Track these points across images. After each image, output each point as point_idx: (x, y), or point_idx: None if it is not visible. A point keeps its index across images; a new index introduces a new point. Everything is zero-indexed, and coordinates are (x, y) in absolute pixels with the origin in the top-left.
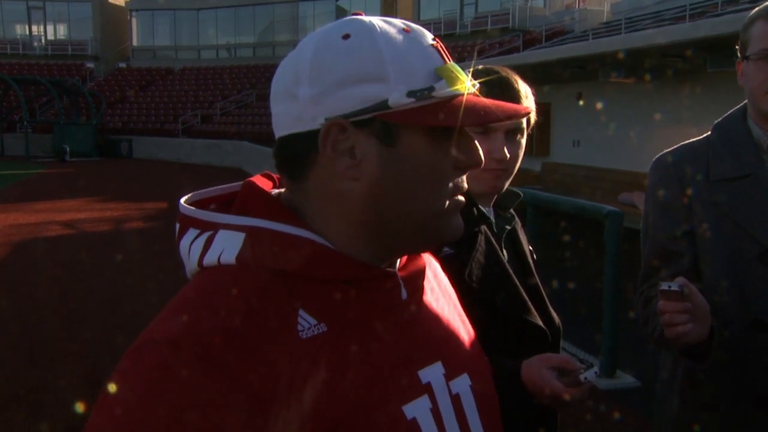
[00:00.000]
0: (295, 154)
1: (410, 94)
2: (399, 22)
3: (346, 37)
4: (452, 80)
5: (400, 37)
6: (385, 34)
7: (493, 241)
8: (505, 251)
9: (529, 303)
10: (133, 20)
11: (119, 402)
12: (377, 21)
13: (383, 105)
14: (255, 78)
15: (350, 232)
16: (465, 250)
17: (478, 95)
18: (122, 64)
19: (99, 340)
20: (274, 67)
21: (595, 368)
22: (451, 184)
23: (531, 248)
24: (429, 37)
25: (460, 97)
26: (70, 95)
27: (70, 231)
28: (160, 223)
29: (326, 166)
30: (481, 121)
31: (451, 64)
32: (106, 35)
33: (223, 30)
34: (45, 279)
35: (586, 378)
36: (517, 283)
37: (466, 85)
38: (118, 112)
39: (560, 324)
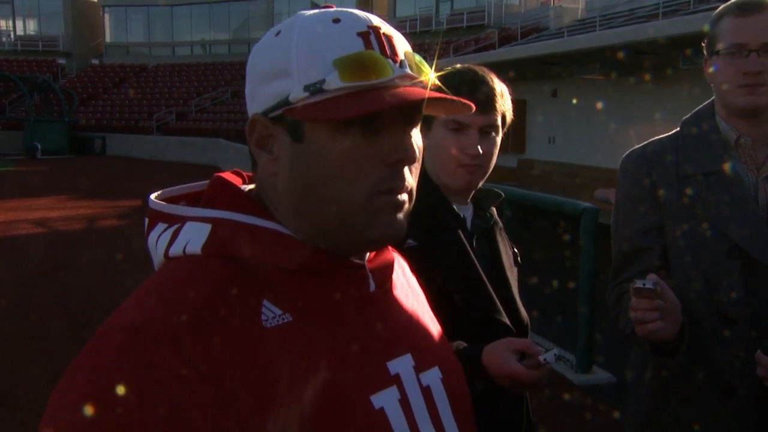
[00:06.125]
0: (250, 151)
1: (306, 88)
2: (335, 11)
3: (278, 34)
4: (352, 71)
5: (320, 29)
6: (304, 28)
7: (463, 238)
8: (477, 249)
9: (496, 300)
10: (106, 16)
11: (79, 381)
12: (308, 14)
13: (286, 101)
14: (230, 75)
15: (298, 224)
16: (432, 245)
17: (398, 84)
18: (95, 61)
19: (69, 339)
20: None
21: (555, 351)
22: (371, 180)
23: (516, 250)
24: (363, 25)
25: (362, 88)
26: (41, 92)
27: (41, 229)
28: (133, 221)
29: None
30: (365, 111)
31: (368, 52)
32: (77, 31)
33: (197, 27)
34: (14, 276)
35: (545, 359)
36: (485, 280)
37: (387, 72)
38: (91, 109)
39: (528, 322)
